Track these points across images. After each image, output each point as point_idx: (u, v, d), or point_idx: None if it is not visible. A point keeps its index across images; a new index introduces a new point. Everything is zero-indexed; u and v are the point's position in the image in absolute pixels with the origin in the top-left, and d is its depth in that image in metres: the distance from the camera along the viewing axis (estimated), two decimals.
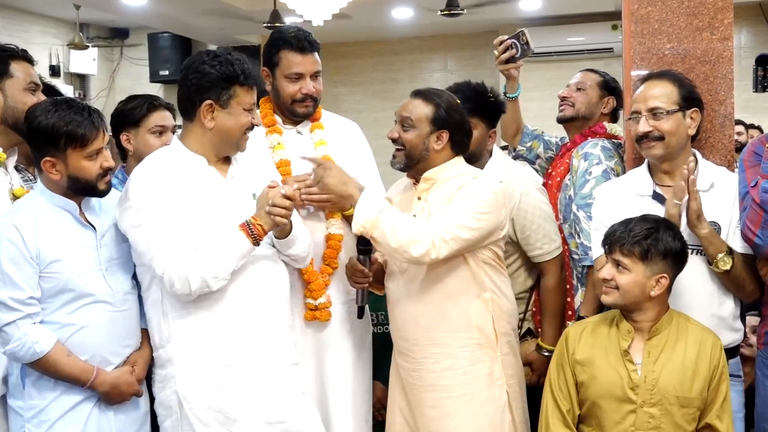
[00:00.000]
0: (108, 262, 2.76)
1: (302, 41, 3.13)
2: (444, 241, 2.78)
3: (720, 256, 2.79)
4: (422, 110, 2.93)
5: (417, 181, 3.01)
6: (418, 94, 3.00)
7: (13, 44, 3.03)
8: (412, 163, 2.96)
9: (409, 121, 2.94)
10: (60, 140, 2.63)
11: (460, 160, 3.01)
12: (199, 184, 2.74)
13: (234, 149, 2.83)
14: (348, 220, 3.07)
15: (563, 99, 3.66)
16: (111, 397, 2.73)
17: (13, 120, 2.85)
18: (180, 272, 2.64)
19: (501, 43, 3.58)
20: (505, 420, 2.94)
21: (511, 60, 3.56)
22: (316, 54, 3.18)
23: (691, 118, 2.90)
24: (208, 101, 2.71)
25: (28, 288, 2.61)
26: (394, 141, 2.98)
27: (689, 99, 2.91)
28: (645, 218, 2.75)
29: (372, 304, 3.38)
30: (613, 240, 2.71)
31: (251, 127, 2.80)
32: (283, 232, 2.82)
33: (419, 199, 2.98)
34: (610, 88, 3.65)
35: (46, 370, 2.65)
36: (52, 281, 2.65)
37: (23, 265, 2.61)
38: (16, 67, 2.93)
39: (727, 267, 2.79)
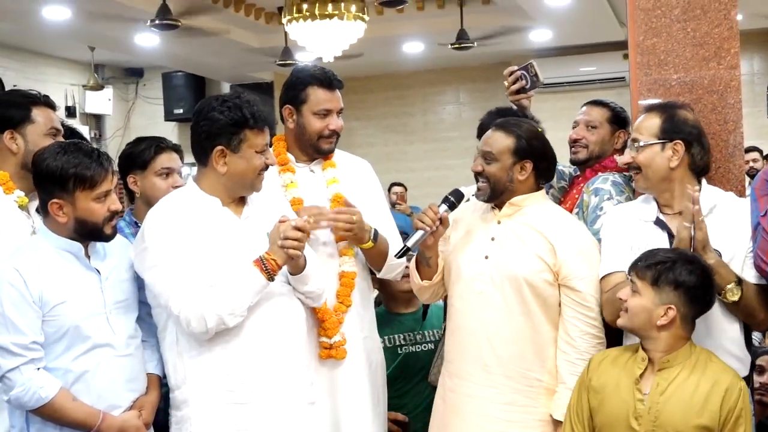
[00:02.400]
0: (112, 306, 2.74)
1: (331, 79, 3.18)
2: None
3: (729, 287, 2.75)
4: (503, 142, 2.96)
5: (498, 206, 3.02)
6: (498, 126, 3.03)
7: (36, 90, 3.07)
8: (497, 195, 2.98)
9: (491, 155, 2.96)
10: (68, 182, 2.62)
11: (542, 194, 3.06)
12: (214, 224, 2.75)
13: (249, 190, 2.84)
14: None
15: (575, 141, 3.61)
16: None
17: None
18: (196, 311, 2.63)
19: (511, 74, 3.58)
20: None
21: (521, 90, 3.56)
22: (338, 92, 3.22)
23: (674, 150, 2.85)
24: (219, 147, 2.72)
25: (30, 332, 2.58)
26: (478, 174, 3.00)
27: (671, 131, 2.87)
28: (671, 249, 2.74)
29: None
30: (636, 261, 2.70)
31: (265, 168, 2.81)
32: (297, 266, 2.80)
33: (499, 223, 3.00)
34: (620, 120, 3.58)
35: (51, 416, 2.61)
36: (55, 325, 2.62)
37: (25, 309, 2.59)
38: (38, 113, 2.97)
39: (736, 298, 2.75)
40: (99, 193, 2.66)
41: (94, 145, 2.85)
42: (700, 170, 2.94)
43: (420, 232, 2.91)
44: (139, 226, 3.12)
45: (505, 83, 3.59)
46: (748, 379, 2.91)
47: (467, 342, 2.99)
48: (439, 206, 2.96)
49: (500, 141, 2.97)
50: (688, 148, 2.87)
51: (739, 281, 2.76)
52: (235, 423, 2.70)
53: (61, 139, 2.95)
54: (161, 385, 2.91)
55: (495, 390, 2.94)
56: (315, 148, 3.20)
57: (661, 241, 2.85)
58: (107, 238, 2.74)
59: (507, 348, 2.93)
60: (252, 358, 2.72)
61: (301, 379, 2.84)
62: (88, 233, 2.70)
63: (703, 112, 3.08)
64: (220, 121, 2.71)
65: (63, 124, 3.09)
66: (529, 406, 2.94)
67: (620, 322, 2.73)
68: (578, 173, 3.69)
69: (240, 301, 2.67)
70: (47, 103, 3.04)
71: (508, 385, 2.94)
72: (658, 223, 2.91)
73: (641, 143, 2.89)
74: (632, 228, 2.92)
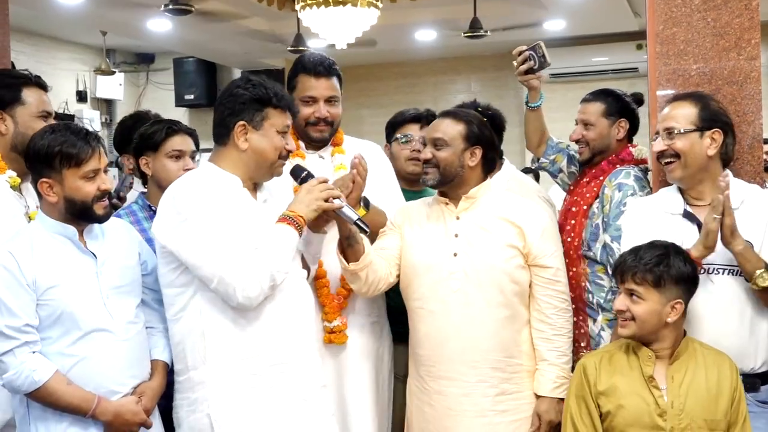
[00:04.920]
0: (109, 290, 2.72)
1: (317, 66, 3.20)
2: None
3: (759, 272, 2.72)
4: (454, 128, 3.00)
5: (449, 199, 3.04)
6: (446, 114, 3.07)
7: (27, 70, 3.04)
8: (446, 180, 3.01)
9: (442, 140, 3.00)
10: (55, 160, 2.62)
11: (491, 183, 3.09)
12: (238, 201, 2.73)
13: (269, 174, 2.82)
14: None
15: (577, 142, 3.61)
16: (115, 427, 2.67)
17: (22, 146, 2.85)
18: (250, 274, 2.60)
19: (519, 53, 3.57)
20: None
21: (530, 71, 3.55)
22: (334, 79, 3.23)
23: (712, 138, 2.86)
24: (241, 122, 2.71)
25: (24, 315, 2.57)
26: (426, 162, 3.02)
27: (710, 120, 2.88)
28: (653, 245, 2.71)
29: None
30: (625, 269, 2.68)
31: (287, 154, 2.80)
32: (319, 225, 2.84)
33: (458, 218, 3.02)
34: (616, 111, 3.55)
35: (46, 399, 2.60)
36: (49, 308, 2.61)
37: (19, 291, 2.57)
38: (29, 94, 2.95)
39: (767, 284, 2.74)
40: (87, 171, 2.64)
41: (105, 131, 2.83)
42: (727, 161, 2.93)
43: (343, 205, 2.80)
44: (153, 210, 3.14)
45: (514, 63, 3.58)
46: None
47: (451, 342, 2.99)
48: (300, 182, 2.86)
49: (451, 127, 3.01)
50: (725, 138, 2.87)
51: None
52: (252, 405, 2.69)
53: (52, 121, 2.92)
54: (168, 372, 2.89)
55: (485, 384, 2.98)
56: (306, 135, 3.23)
57: (691, 233, 2.84)
58: (99, 219, 2.71)
59: (490, 340, 2.97)
60: (270, 341, 2.71)
61: (315, 361, 2.85)
62: (79, 213, 2.67)
63: (722, 103, 3.06)
64: (244, 96, 2.71)
65: (63, 114, 3.05)
66: (516, 392, 2.99)
67: (626, 332, 2.70)
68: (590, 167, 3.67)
69: (284, 257, 2.67)
70: (39, 84, 3.01)
71: (495, 376, 2.98)
72: (687, 215, 2.89)
73: (680, 130, 2.86)
74: (658, 221, 2.90)
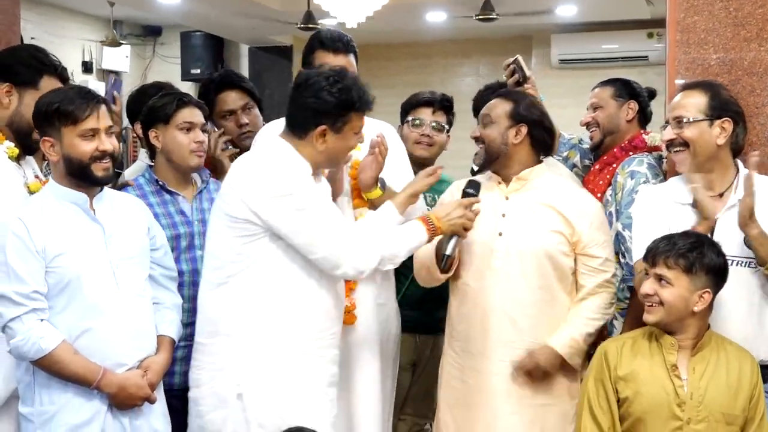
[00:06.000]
0: (118, 260, 2.71)
1: (336, 42, 3.19)
2: None
3: None
4: (501, 106, 3.05)
5: (501, 178, 3.07)
6: (499, 94, 3.13)
7: (56, 57, 3.03)
8: (491, 159, 3.04)
9: (489, 117, 3.05)
10: (53, 117, 2.63)
11: (545, 166, 3.10)
12: (319, 185, 2.82)
13: (335, 167, 2.93)
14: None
15: (587, 125, 3.62)
16: (119, 399, 2.67)
17: (17, 125, 2.88)
18: (356, 253, 2.70)
19: (506, 66, 3.55)
20: None
21: (518, 84, 3.53)
22: (351, 56, 3.23)
23: (722, 128, 2.85)
24: (323, 127, 2.74)
25: (32, 282, 2.57)
26: (476, 140, 3.09)
27: (720, 109, 2.86)
28: (687, 233, 2.71)
29: None
30: (657, 253, 2.66)
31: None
32: (440, 240, 2.92)
33: (507, 199, 3.04)
34: (625, 93, 3.59)
35: (51, 368, 2.60)
36: (57, 276, 2.61)
37: (29, 258, 2.57)
38: (46, 84, 2.92)
39: None
40: (84, 129, 2.64)
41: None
42: (738, 151, 2.91)
43: (455, 238, 2.94)
44: (160, 184, 3.13)
45: (504, 76, 3.57)
46: None
47: (488, 320, 2.99)
48: (464, 195, 2.97)
49: (499, 105, 3.06)
50: (735, 127, 2.85)
51: None
52: (284, 382, 2.73)
53: None
54: (174, 349, 2.90)
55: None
56: None
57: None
58: (98, 181, 2.70)
59: (527, 321, 2.96)
60: (314, 328, 2.77)
61: (337, 347, 2.90)
62: (78, 173, 2.66)
63: (741, 94, 3.04)
64: (331, 103, 2.72)
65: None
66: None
67: (653, 318, 2.69)
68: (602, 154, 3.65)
69: (401, 249, 2.77)
70: (61, 75, 3.00)
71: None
72: (696, 205, 2.87)
73: (689, 119, 2.84)
74: (668, 210, 2.89)
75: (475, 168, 3.29)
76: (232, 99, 3.65)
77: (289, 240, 2.69)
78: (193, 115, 3.24)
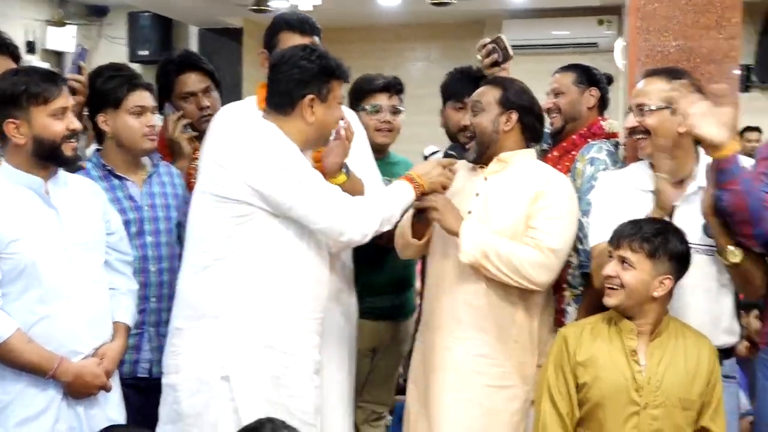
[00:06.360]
0: (73, 246, 2.65)
1: (304, 24, 3.17)
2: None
3: (730, 248, 2.75)
4: (491, 93, 3.03)
5: (485, 163, 3.05)
6: (488, 81, 3.12)
7: (8, 36, 2.98)
8: (483, 148, 3.02)
9: (479, 104, 3.03)
10: (21, 98, 2.56)
11: (532, 153, 3.09)
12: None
13: (323, 144, 2.91)
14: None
15: (548, 110, 3.61)
16: (75, 388, 2.62)
17: None
18: (359, 217, 2.75)
19: (482, 47, 3.53)
20: (520, 427, 2.98)
21: (495, 64, 3.52)
22: (316, 38, 3.17)
23: (684, 116, 2.86)
24: (311, 96, 2.74)
25: None
26: (465, 129, 3.11)
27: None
28: (653, 219, 2.73)
29: None
30: (622, 236, 2.69)
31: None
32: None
33: (486, 179, 3.03)
34: (586, 80, 3.60)
35: (5, 357, 2.53)
36: (12, 262, 2.54)
37: None
38: None
39: (737, 260, 2.75)
40: (55, 109, 2.59)
41: None
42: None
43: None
44: (108, 169, 3.06)
45: (478, 56, 3.56)
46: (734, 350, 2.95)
47: (444, 296, 3.02)
48: (447, 163, 3.00)
49: (488, 92, 3.04)
50: None
51: (739, 245, 2.75)
52: (270, 367, 2.72)
53: None
54: (129, 335, 2.85)
55: (468, 342, 2.98)
56: None
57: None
58: (67, 161, 2.66)
59: (480, 300, 2.96)
60: (302, 315, 2.78)
61: (318, 333, 2.90)
62: (48, 153, 2.61)
63: (698, 80, 3.05)
64: (313, 69, 2.72)
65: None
66: (498, 358, 2.98)
67: (613, 301, 2.70)
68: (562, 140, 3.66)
69: (396, 209, 2.83)
70: (13, 54, 2.99)
71: (479, 338, 2.98)
72: (656, 194, 2.89)
73: (651, 107, 2.85)
74: (628, 197, 2.91)
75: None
76: (193, 81, 3.57)
77: (292, 213, 2.70)
78: (143, 98, 3.15)
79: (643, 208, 2.85)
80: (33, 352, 2.56)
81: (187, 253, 2.84)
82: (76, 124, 2.68)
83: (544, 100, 3.60)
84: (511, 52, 3.49)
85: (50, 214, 2.65)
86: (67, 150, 2.65)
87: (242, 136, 2.80)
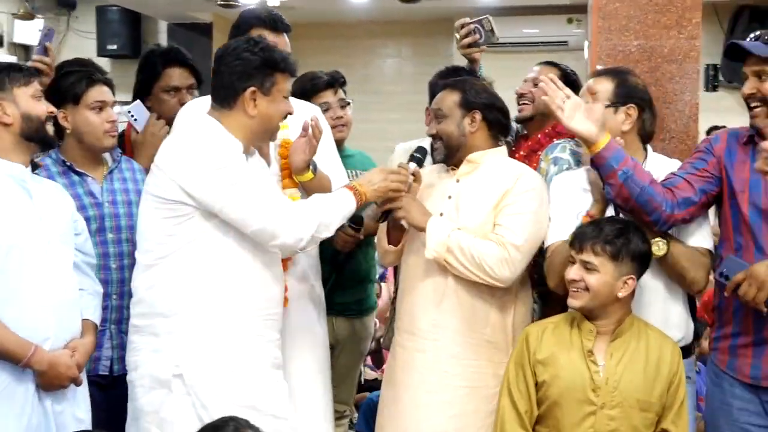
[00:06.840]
0: (51, 236, 2.67)
1: (277, 21, 3.16)
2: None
3: (654, 240, 2.78)
4: (450, 98, 3.03)
5: (456, 165, 3.05)
6: (445, 86, 3.12)
7: None
8: (453, 152, 3.03)
9: (441, 112, 3.03)
10: (4, 80, 2.64)
11: (503, 151, 3.09)
12: (253, 160, 2.80)
13: (269, 138, 2.87)
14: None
15: (521, 96, 3.60)
16: (48, 378, 2.61)
17: None
18: (294, 221, 2.67)
19: (462, 26, 3.54)
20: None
21: (473, 45, 3.52)
22: (285, 36, 3.16)
23: (627, 114, 2.89)
24: (252, 88, 2.70)
25: None
26: (433, 137, 3.07)
27: (625, 96, 2.91)
28: (614, 219, 2.74)
29: None
30: (584, 239, 2.69)
31: (286, 115, 2.82)
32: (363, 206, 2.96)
33: (458, 181, 3.03)
34: (569, 82, 3.57)
35: None
36: None
37: None
38: None
39: (661, 253, 2.78)
40: (35, 91, 2.68)
41: None
42: (647, 137, 2.96)
43: (372, 204, 3.01)
44: (68, 165, 3.04)
45: (457, 36, 3.56)
46: (691, 347, 2.97)
47: (417, 297, 3.02)
48: (408, 164, 2.97)
49: (447, 97, 3.04)
50: (641, 114, 2.89)
51: (665, 237, 2.78)
52: (226, 362, 2.70)
53: None
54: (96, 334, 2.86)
55: (441, 343, 2.98)
56: None
57: (608, 210, 2.88)
58: (50, 142, 2.75)
59: (453, 299, 2.96)
60: (253, 306, 2.76)
61: (279, 327, 2.91)
62: (35, 132, 2.67)
63: (661, 81, 3.10)
64: (255, 61, 2.69)
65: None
66: (471, 359, 2.98)
67: (577, 303, 2.72)
68: (524, 132, 3.68)
69: (335, 217, 2.76)
70: None
71: (452, 338, 2.98)
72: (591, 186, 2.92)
73: None
74: (578, 197, 2.94)
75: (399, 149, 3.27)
76: (178, 76, 3.55)
77: (223, 215, 2.67)
78: (103, 93, 3.13)
79: (585, 206, 2.88)
80: (9, 340, 2.55)
81: (137, 252, 2.84)
82: (52, 107, 2.75)
83: (513, 99, 3.63)
84: (497, 34, 3.48)
85: (30, 203, 2.67)
86: (49, 130, 2.72)
87: (179, 136, 2.79)
